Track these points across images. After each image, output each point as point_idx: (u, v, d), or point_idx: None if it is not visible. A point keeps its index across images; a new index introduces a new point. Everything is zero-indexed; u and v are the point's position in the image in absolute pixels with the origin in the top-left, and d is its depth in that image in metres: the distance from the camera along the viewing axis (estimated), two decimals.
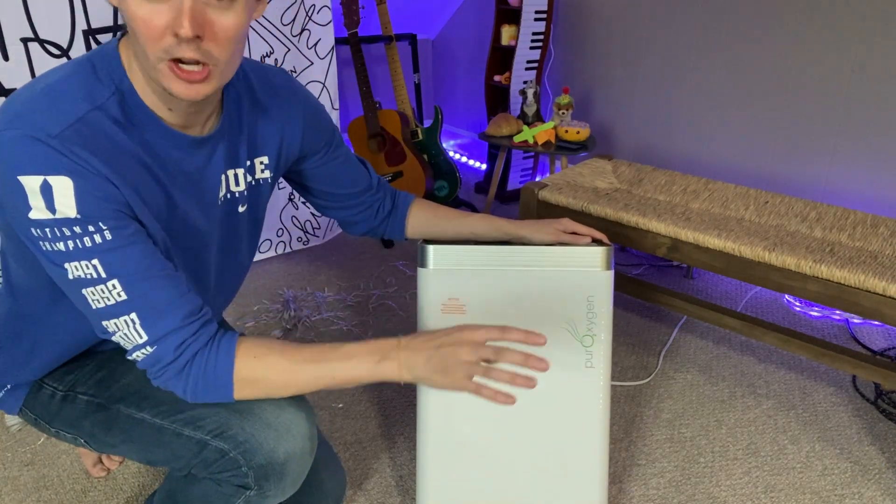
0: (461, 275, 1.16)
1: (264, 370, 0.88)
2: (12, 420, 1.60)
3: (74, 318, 0.91)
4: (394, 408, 1.73)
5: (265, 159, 1.05)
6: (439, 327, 1.12)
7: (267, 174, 1.07)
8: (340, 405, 1.73)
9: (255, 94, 1.02)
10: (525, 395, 1.18)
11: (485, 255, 1.16)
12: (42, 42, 1.79)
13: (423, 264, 1.17)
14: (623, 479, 1.50)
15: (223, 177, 0.99)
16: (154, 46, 0.78)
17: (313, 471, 1.15)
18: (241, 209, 1.05)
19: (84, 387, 1.03)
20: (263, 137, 1.04)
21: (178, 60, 0.79)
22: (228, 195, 1.02)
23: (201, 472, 0.97)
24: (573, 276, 1.16)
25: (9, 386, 1.06)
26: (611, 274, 1.17)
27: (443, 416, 1.20)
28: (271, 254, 2.54)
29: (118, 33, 0.90)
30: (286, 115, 1.06)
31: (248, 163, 1.02)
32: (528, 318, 1.17)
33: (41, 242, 0.80)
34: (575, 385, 1.19)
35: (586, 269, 1.16)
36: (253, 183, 1.05)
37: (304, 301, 2.23)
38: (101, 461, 1.47)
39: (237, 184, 1.02)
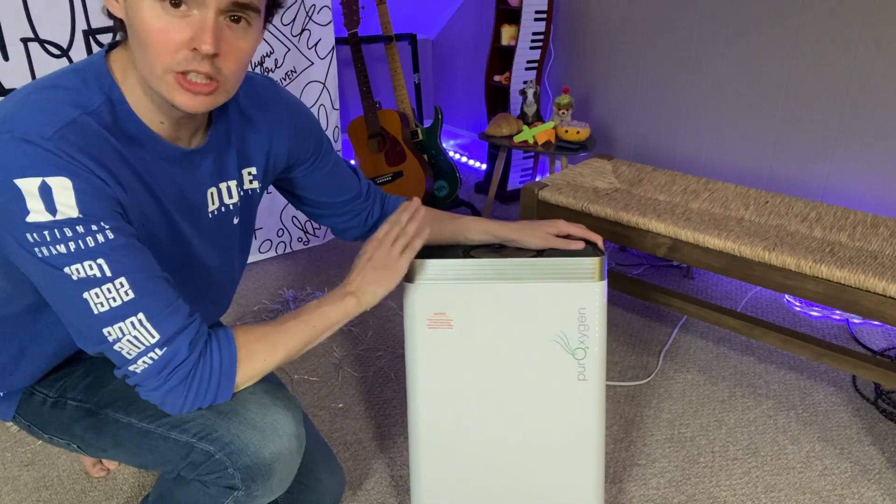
0: (448, 288, 1.12)
1: (257, 341, 0.92)
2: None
3: (59, 324, 0.90)
4: (394, 408, 1.73)
5: (253, 170, 1.06)
6: (426, 343, 1.14)
7: (255, 184, 1.07)
8: (340, 405, 1.73)
9: (242, 106, 1.02)
10: (518, 409, 1.17)
11: (472, 267, 1.12)
12: (42, 42, 1.79)
13: (408, 278, 1.13)
14: (623, 479, 1.50)
15: (212, 190, 0.99)
16: (166, 59, 0.80)
17: (311, 470, 1.15)
18: (235, 221, 1.06)
19: (73, 392, 1.02)
20: (251, 148, 1.04)
21: (184, 73, 0.81)
22: (223, 208, 1.02)
23: (189, 474, 0.97)
24: (564, 288, 1.12)
25: (1, 394, 1.06)
26: (604, 284, 1.13)
27: (433, 423, 1.19)
28: (271, 254, 2.54)
29: (107, 45, 0.90)
30: (272, 125, 1.06)
31: (238, 174, 1.03)
32: (517, 332, 1.13)
33: (37, 248, 0.77)
34: (568, 398, 1.16)
35: (577, 281, 1.12)
36: (242, 193, 1.05)
37: (304, 301, 2.23)
38: (100, 461, 1.47)
39: (230, 196, 1.03)
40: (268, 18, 0.90)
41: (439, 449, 1.20)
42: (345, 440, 1.61)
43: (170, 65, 0.80)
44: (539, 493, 1.21)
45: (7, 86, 1.76)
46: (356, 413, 1.70)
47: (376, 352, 1.96)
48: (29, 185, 0.76)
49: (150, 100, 0.87)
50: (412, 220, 1.08)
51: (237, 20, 0.82)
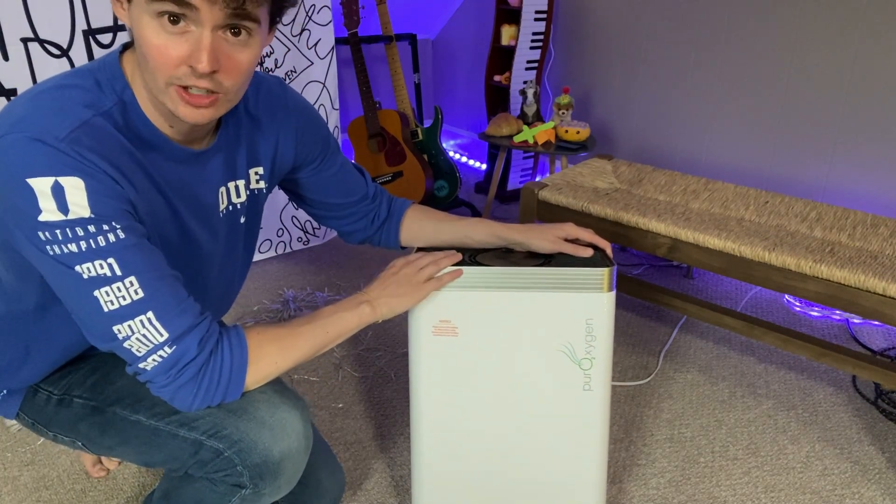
0: (454, 295, 1.10)
1: (270, 343, 0.92)
2: (11, 420, 1.60)
3: (66, 322, 0.90)
4: (394, 408, 1.73)
5: (260, 170, 1.06)
6: (431, 350, 1.13)
7: (262, 184, 1.08)
8: (340, 405, 1.73)
9: (250, 106, 1.03)
10: (522, 418, 1.16)
11: (479, 275, 1.10)
12: (42, 42, 1.79)
13: None
14: (623, 479, 1.50)
15: (223, 189, 1.00)
16: (167, 73, 0.81)
17: (311, 471, 1.15)
18: (241, 220, 1.07)
19: (79, 390, 1.02)
20: (259, 149, 1.05)
21: (185, 87, 0.82)
22: (231, 207, 1.03)
23: (197, 472, 0.97)
24: (571, 299, 1.10)
25: (4, 391, 1.06)
26: (612, 295, 1.10)
27: (436, 430, 1.18)
28: (271, 254, 2.54)
29: (121, 46, 0.91)
30: (280, 126, 1.07)
31: (246, 173, 1.04)
32: (523, 341, 1.12)
33: (49, 246, 0.78)
34: (573, 408, 1.14)
35: (585, 291, 1.09)
36: (249, 193, 1.06)
37: (304, 301, 2.24)
38: (100, 461, 1.47)
39: (238, 195, 1.04)
40: (273, 24, 0.89)
41: (442, 456, 1.19)
42: (345, 440, 1.61)
43: (170, 79, 0.81)
44: (540, 500, 1.21)
45: (7, 86, 1.76)
46: (356, 413, 1.71)
47: (376, 352, 1.96)
48: (41, 185, 0.76)
49: (157, 107, 0.88)
50: (447, 258, 1.10)
51: (237, 33, 0.82)
